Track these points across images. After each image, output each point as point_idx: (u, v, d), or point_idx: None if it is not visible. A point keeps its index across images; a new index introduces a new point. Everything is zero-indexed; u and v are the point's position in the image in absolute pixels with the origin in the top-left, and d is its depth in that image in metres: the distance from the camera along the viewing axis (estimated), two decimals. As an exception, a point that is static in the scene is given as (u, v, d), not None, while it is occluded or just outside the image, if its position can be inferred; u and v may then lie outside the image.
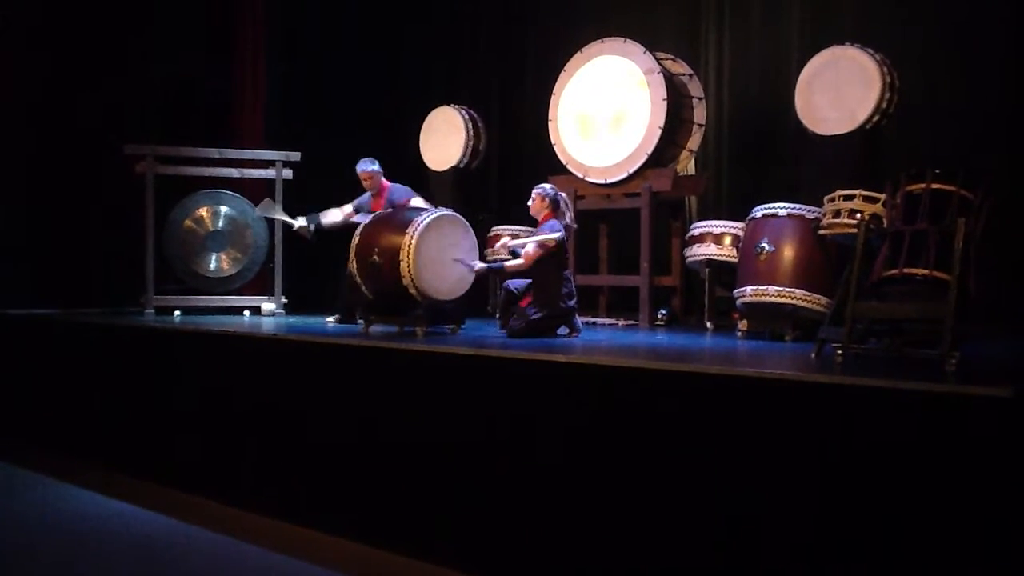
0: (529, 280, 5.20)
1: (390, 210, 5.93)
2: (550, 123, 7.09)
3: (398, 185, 6.41)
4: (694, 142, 6.87)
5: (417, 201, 6.18)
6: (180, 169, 7.30)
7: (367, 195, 6.45)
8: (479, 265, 5.31)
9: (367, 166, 6.34)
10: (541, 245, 5.07)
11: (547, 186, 5.38)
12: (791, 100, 6.02)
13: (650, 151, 6.46)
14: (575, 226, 5.64)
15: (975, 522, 2.72)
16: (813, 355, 3.98)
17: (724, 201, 7.25)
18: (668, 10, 7.70)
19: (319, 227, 6.54)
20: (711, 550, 3.23)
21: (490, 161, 8.24)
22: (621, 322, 6.43)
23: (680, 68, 6.93)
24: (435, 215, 5.21)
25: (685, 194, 6.94)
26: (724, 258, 5.90)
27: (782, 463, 3.10)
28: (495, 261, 5.71)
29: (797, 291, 5.03)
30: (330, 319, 6.42)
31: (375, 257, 5.18)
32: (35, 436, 6.35)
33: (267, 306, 7.30)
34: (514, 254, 5.29)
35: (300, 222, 6.58)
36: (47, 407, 6.32)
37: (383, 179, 6.40)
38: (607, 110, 6.77)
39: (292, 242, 7.39)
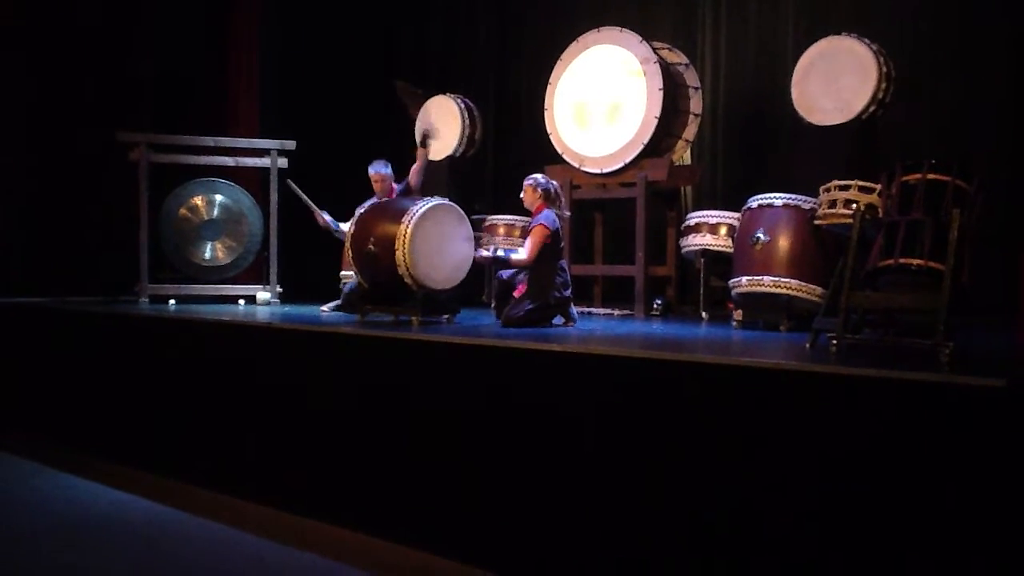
0: (522, 269, 5.21)
1: (386, 199, 5.93)
2: (546, 112, 7.08)
3: (400, 185, 6.39)
4: (690, 132, 6.87)
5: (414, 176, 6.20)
6: (175, 157, 7.27)
7: (371, 200, 6.42)
8: (484, 252, 5.31)
9: (381, 168, 6.21)
10: (538, 237, 5.07)
11: (539, 176, 5.38)
12: (787, 90, 6.02)
13: (646, 141, 6.46)
14: (568, 214, 5.64)
15: (969, 511, 2.73)
16: (808, 345, 3.99)
17: (720, 191, 7.27)
18: (665, 0, 7.69)
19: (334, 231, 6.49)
20: (706, 539, 3.24)
21: (486, 150, 8.23)
22: (616, 312, 6.44)
23: (677, 58, 6.93)
24: (430, 204, 5.21)
25: (681, 184, 6.94)
26: (720, 248, 5.91)
27: (777, 452, 3.11)
28: (502, 250, 5.67)
29: (792, 281, 5.04)
30: (326, 307, 6.42)
31: (371, 246, 5.18)
32: (31, 425, 6.34)
33: (262, 295, 7.29)
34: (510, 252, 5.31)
35: (325, 217, 6.48)
36: (42, 396, 6.32)
37: (393, 184, 6.34)
38: (603, 99, 6.76)
39: (287, 231, 7.39)
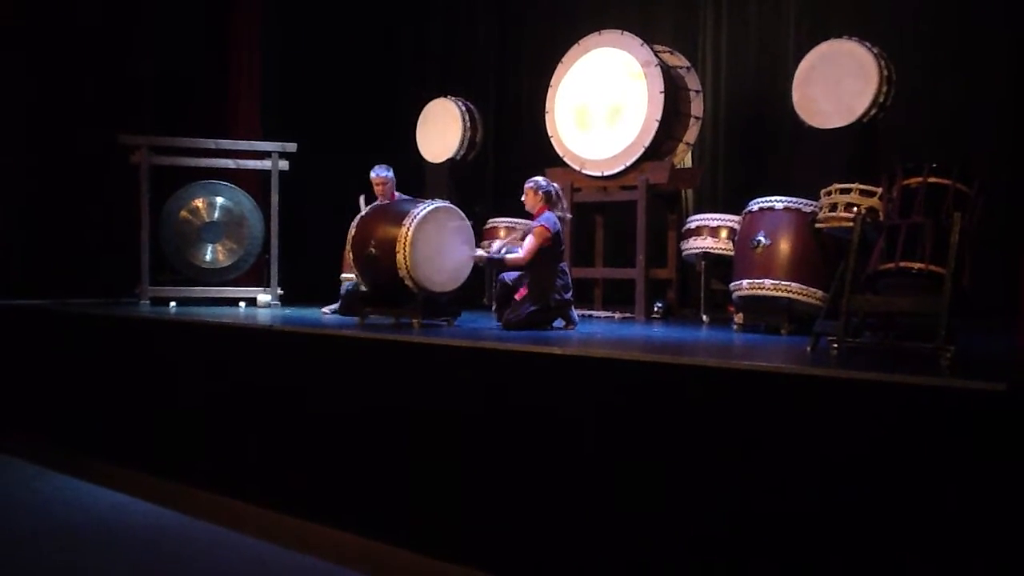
0: (523, 272, 5.20)
1: (387, 202, 5.94)
2: (547, 115, 7.08)
3: (407, 197, 6.40)
4: (691, 135, 6.87)
5: None
6: (176, 160, 7.28)
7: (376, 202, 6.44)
8: (480, 252, 5.31)
9: (383, 172, 6.27)
10: (537, 238, 5.07)
11: (540, 179, 5.38)
12: (788, 93, 6.02)
13: (647, 144, 6.46)
14: (569, 217, 5.64)
15: (969, 515, 2.73)
16: (809, 348, 3.99)
17: (720, 194, 7.27)
18: (666, 3, 7.70)
19: None
20: (706, 542, 3.24)
21: (487, 153, 8.23)
22: (617, 315, 6.44)
23: (677, 61, 6.93)
24: (432, 207, 5.21)
25: (681, 187, 6.94)
26: (720, 251, 5.90)
27: (778, 456, 3.11)
28: (496, 252, 5.69)
29: (793, 284, 5.04)
30: (326, 309, 6.43)
31: (372, 249, 5.18)
32: (31, 427, 6.34)
33: (263, 297, 7.29)
34: (510, 252, 5.30)
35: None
36: (42, 398, 6.31)
37: (394, 188, 6.36)
38: (604, 102, 6.76)
39: (288, 233, 7.39)
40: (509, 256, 5.23)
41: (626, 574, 3.41)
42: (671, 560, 3.31)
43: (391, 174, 6.29)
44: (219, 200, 7.49)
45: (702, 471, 3.27)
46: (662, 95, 6.42)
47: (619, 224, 7.11)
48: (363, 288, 5.44)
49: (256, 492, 4.73)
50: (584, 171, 6.79)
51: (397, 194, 6.34)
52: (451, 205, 5.40)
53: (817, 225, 4.93)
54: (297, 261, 7.68)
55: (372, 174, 6.27)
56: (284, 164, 7.37)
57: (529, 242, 5.10)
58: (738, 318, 5.36)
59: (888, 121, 5.81)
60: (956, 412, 2.79)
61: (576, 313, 5.38)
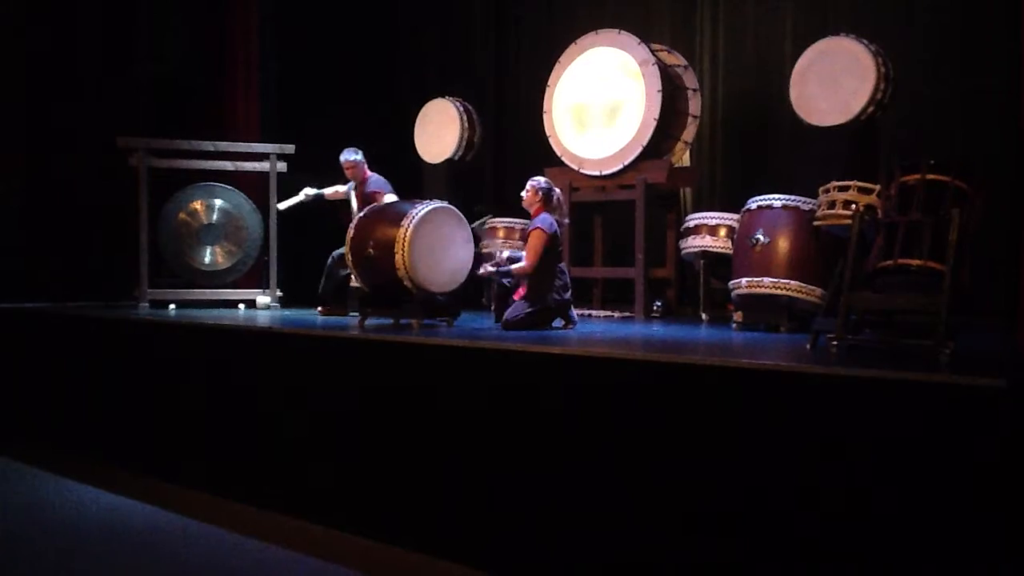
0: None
1: (384, 203, 5.94)
2: (545, 115, 7.07)
3: (376, 177, 6.51)
4: (689, 134, 6.86)
5: (389, 197, 6.26)
6: (174, 162, 7.28)
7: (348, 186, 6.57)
8: (488, 268, 5.29)
9: (349, 156, 6.51)
10: (537, 243, 5.05)
11: (541, 179, 5.37)
12: (786, 91, 6.02)
13: (645, 143, 6.45)
14: (567, 221, 5.63)
15: (969, 512, 2.73)
16: (808, 346, 3.99)
17: (719, 193, 7.26)
18: (663, 2, 7.69)
19: (319, 198, 6.90)
20: (706, 540, 3.24)
21: (485, 153, 8.22)
22: (616, 314, 6.43)
23: (675, 59, 6.92)
24: (430, 207, 5.21)
25: (680, 186, 6.94)
26: (719, 250, 5.90)
27: (777, 454, 3.11)
28: (501, 267, 5.61)
29: (792, 282, 5.04)
30: (321, 309, 6.45)
31: (370, 250, 5.18)
32: (31, 430, 6.34)
33: (262, 299, 7.29)
34: (512, 260, 5.27)
35: (304, 193, 6.92)
36: (42, 401, 6.31)
37: (366, 169, 6.54)
38: (602, 102, 6.76)
39: (287, 235, 7.39)
40: (515, 267, 5.19)
41: (624, 573, 3.41)
42: (671, 559, 3.31)
43: (359, 156, 6.51)
44: (218, 202, 7.49)
45: (702, 470, 3.27)
46: (660, 94, 6.41)
47: (618, 223, 7.10)
48: (347, 272, 5.47)
49: (255, 494, 4.73)
50: (582, 171, 6.79)
51: (371, 174, 6.45)
52: (449, 205, 5.40)
53: (816, 223, 4.93)
54: (296, 263, 7.67)
55: (340, 158, 6.48)
56: (282, 166, 7.37)
57: (529, 250, 5.08)
58: (737, 316, 5.36)
59: (886, 119, 5.80)
60: (955, 409, 2.79)
61: (575, 312, 5.37)
